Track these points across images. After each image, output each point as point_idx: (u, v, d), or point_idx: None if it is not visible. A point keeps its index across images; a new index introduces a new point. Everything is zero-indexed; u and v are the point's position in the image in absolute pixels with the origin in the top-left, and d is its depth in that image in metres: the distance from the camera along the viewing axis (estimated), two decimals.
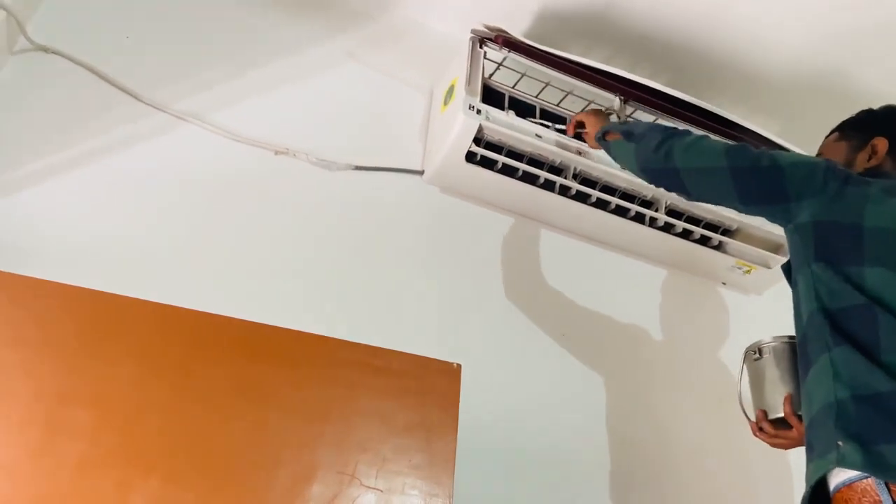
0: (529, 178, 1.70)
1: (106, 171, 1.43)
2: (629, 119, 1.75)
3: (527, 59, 1.66)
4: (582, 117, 1.61)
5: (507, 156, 1.66)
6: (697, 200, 1.28)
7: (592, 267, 1.85)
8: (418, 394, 1.15)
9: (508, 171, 1.69)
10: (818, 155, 1.31)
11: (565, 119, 1.73)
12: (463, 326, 1.59)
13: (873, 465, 0.87)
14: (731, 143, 1.22)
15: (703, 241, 1.82)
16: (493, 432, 1.46)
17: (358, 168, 1.67)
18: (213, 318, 1.09)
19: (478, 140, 1.62)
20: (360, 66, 1.80)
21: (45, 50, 1.48)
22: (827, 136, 1.33)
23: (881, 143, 1.22)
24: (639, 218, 1.78)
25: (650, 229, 1.79)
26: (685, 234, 1.81)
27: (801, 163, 1.13)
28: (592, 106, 1.67)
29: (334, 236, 1.57)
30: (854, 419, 0.92)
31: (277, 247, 1.50)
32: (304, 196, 1.59)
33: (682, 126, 1.70)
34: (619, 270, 1.88)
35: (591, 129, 1.52)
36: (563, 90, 1.74)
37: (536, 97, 1.74)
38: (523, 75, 1.72)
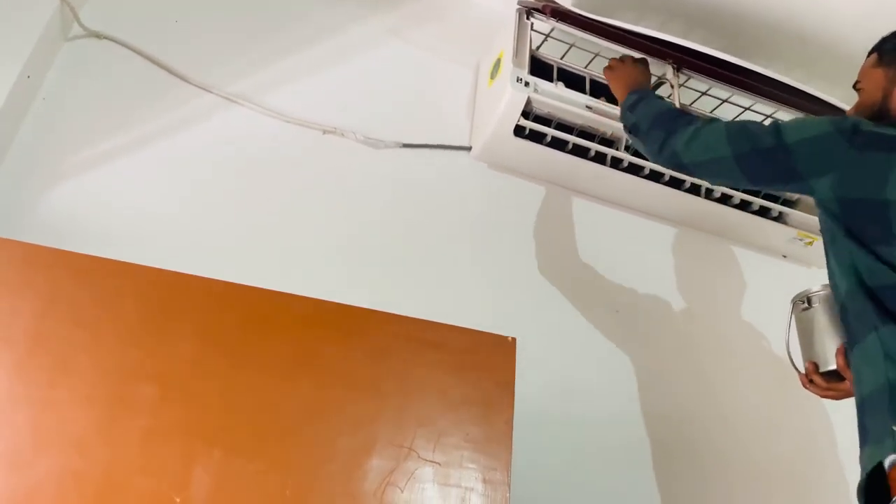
0: (580, 151, 1.67)
1: (159, 154, 1.45)
2: (682, 86, 1.69)
3: (576, 29, 1.61)
4: (609, 76, 1.51)
5: (556, 129, 1.63)
6: (718, 186, 1.22)
7: (646, 241, 1.81)
8: (474, 368, 1.14)
9: (558, 144, 1.65)
10: (856, 83, 1.20)
11: None
12: (515, 301, 1.58)
13: None
14: (732, 124, 1.16)
15: (763, 212, 1.77)
16: (548, 405, 1.45)
17: (405, 146, 1.66)
18: (269, 293, 1.10)
19: (526, 113, 1.59)
20: (405, 43, 1.78)
21: (97, 36, 1.50)
22: (867, 57, 1.20)
23: None
24: (694, 190, 1.73)
25: (707, 201, 1.74)
26: (743, 206, 1.75)
27: (808, 137, 1.05)
28: (624, 64, 1.53)
29: (384, 214, 1.57)
30: None
31: (328, 225, 1.51)
32: (353, 174, 1.59)
33: (741, 96, 1.67)
34: (675, 244, 1.84)
35: (617, 94, 1.47)
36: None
37: (586, 68, 1.69)
38: (572, 46, 1.68)
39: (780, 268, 1.88)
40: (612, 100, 1.64)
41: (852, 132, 1.02)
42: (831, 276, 1.07)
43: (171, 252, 1.31)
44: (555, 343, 1.56)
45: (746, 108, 1.76)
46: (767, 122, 1.70)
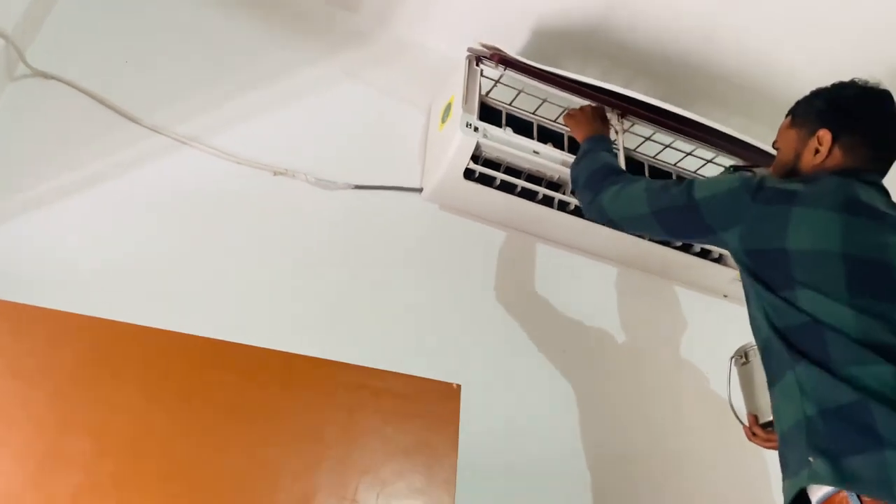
0: (528, 194, 1.70)
1: (106, 196, 1.43)
2: (626, 132, 1.75)
3: (523, 76, 1.65)
4: (570, 123, 1.63)
5: (505, 172, 1.66)
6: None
7: (593, 281, 1.84)
8: (418, 415, 1.14)
9: (507, 187, 1.68)
10: (774, 142, 1.30)
11: (562, 135, 1.73)
12: (463, 346, 1.58)
13: (843, 478, 0.89)
14: (652, 184, 1.26)
15: (704, 254, 1.82)
16: (493, 451, 1.44)
17: (357, 187, 1.67)
18: (210, 342, 1.08)
19: (476, 157, 1.62)
20: (358, 85, 1.80)
21: (44, 76, 1.49)
22: (784, 119, 1.29)
23: (825, 137, 1.18)
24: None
25: (651, 243, 1.78)
26: (685, 248, 1.80)
27: (716, 194, 1.14)
28: (583, 112, 1.65)
29: (334, 256, 1.57)
30: (823, 434, 0.93)
31: (278, 268, 1.50)
32: (304, 216, 1.59)
33: (685, 142, 1.75)
34: (620, 285, 1.87)
35: (578, 135, 1.59)
36: (560, 105, 1.74)
37: (534, 113, 1.74)
38: (520, 91, 1.72)
39: (721, 307, 1.92)
40: (558, 145, 1.70)
41: (757, 188, 1.10)
42: (751, 322, 1.13)
43: (114, 299, 1.28)
44: (502, 387, 1.56)
45: (688, 154, 1.82)
46: (706, 169, 1.80)
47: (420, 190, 1.74)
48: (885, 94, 1.21)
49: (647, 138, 1.79)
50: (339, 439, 1.09)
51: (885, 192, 1.16)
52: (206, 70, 1.65)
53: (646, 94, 1.67)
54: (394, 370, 1.16)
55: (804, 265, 1.02)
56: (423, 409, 1.14)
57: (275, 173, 1.60)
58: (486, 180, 1.67)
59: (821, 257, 1.02)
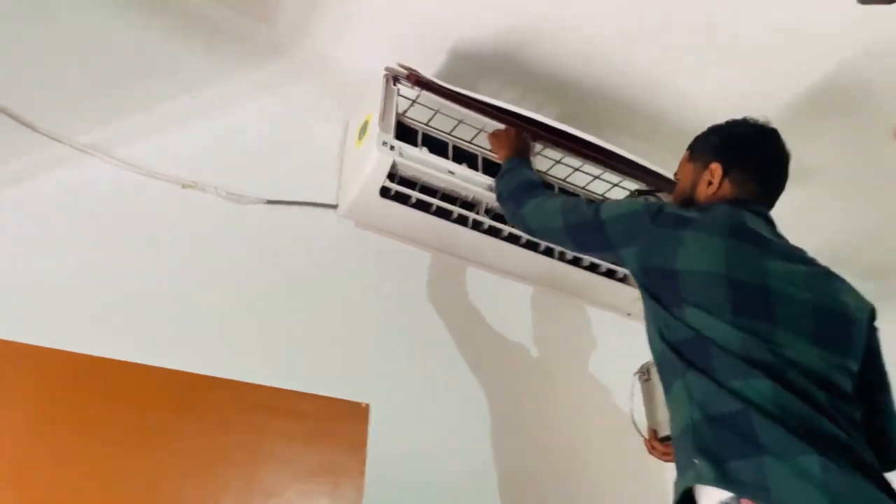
0: (443, 213, 1.72)
1: None
2: (538, 155, 1.80)
3: (439, 97, 1.67)
4: (493, 143, 1.70)
5: (420, 191, 1.68)
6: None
7: (507, 301, 1.87)
8: (325, 436, 1.14)
9: (423, 206, 1.70)
10: (675, 174, 1.40)
11: (477, 156, 1.76)
12: (375, 365, 1.56)
13: (725, 480, 0.95)
14: (567, 201, 1.36)
15: (610, 273, 1.89)
16: (403, 472, 1.42)
17: (270, 202, 1.64)
18: (106, 362, 1.05)
19: (392, 175, 1.63)
20: (274, 98, 1.77)
21: None
22: (685, 153, 1.39)
23: (717, 170, 1.28)
24: (548, 252, 1.82)
25: (560, 262, 1.84)
26: (592, 268, 1.87)
27: (620, 214, 1.24)
28: (506, 132, 1.71)
29: (244, 273, 1.53)
30: (708, 438, 0.99)
31: (183, 284, 1.45)
32: (213, 231, 1.54)
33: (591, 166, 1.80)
34: (534, 304, 1.92)
35: (500, 160, 1.66)
36: (475, 127, 1.77)
37: (450, 133, 1.76)
38: (437, 112, 1.74)
39: (625, 325, 2.00)
40: (473, 166, 1.72)
41: (656, 213, 1.20)
42: (648, 337, 1.19)
43: (4, 317, 1.20)
44: (413, 406, 1.56)
45: (596, 177, 1.88)
46: (613, 192, 1.87)
47: (335, 206, 1.73)
48: (773, 133, 1.32)
49: (558, 161, 1.85)
50: (244, 462, 1.07)
51: (771, 222, 1.26)
52: (113, 79, 1.58)
53: (557, 119, 1.74)
54: (302, 390, 1.15)
55: (692, 285, 1.10)
56: (330, 430, 1.14)
57: (183, 186, 1.56)
58: (402, 198, 1.68)
59: (707, 278, 1.09)
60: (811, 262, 1.20)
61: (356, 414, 1.15)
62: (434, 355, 1.67)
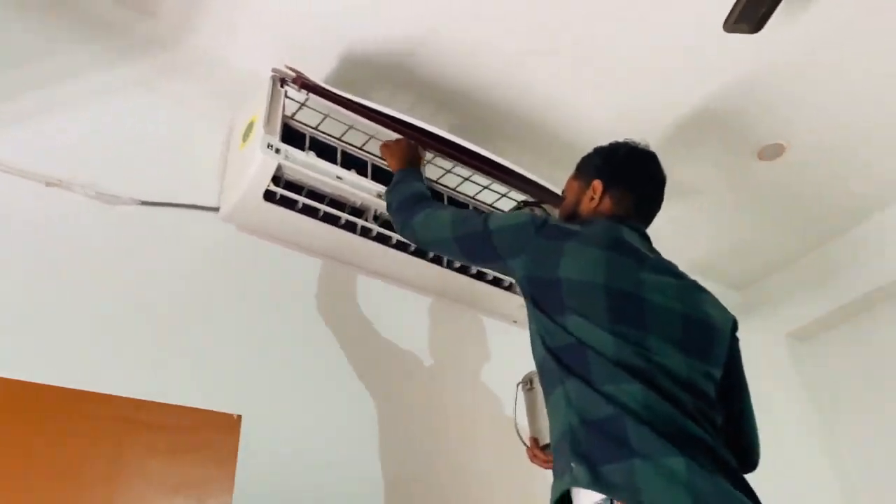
0: (331, 219, 1.70)
1: None
2: (429, 163, 1.81)
3: (328, 102, 1.65)
4: (385, 153, 1.69)
5: (308, 196, 1.65)
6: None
7: (394, 307, 1.87)
8: (193, 449, 1.09)
9: (310, 211, 1.67)
10: (563, 191, 1.47)
11: (367, 162, 1.75)
12: (250, 374, 1.51)
13: (599, 483, 0.99)
14: (457, 212, 1.38)
15: (496, 282, 1.93)
16: (276, 485, 1.37)
17: (144, 203, 1.57)
18: None
19: (277, 179, 1.59)
20: (152, 94, 1.70)
21: None
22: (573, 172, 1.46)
23: (598, 187, 1.36)
24: (437, 260, 1.84)
25: (448, 270, 1.86)
26: (480, 276, 1.90)
27: (507, 226, 1.28)
28: (398, 143, 1.70)
29: (111, 278, 1.45)
30: (584, 443, 1.04)
31: (43, 290, 1.35)
32: (79, 234, 1.45)
33: (479, 177, 1.84)
34: (424, 312, 1.93)
35: (392, 165, 1.65)
36: (366, 133, 1.76)
37: (339, 139, 1.75)
38: (326, 116, 1.72)
39: (511, 333, 2.04)
40: (362, 172, 1.71)
41: (541, 225, 1.25)
42: (531, 343, 1.23)
43: None
44: (291, 416, 1.52)
45: (484, 187, 1.92)
46: (501, 202, 1.91)
47: (217, 209, 1.67)
48: (651, 156, 1.41)
49: (448, 171, 1.87)
50: (103, 478, 1.00)
51: (647, 238, 1.34)
52: None
53: (449, 129, 1.77)
54: (172, 402, 1.10)
55: (573, 293, 1.15)
56: (199, 442, 1.09)
57: (48, 184, 1.45)
58: (287, 203, 1.64)
59: (588, 287, 1.14)
60: (681, 276, 1.27)
61: (226, 425, 1.11)
62: (317, 365, 1.64)
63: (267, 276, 1.68)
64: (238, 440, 1.10)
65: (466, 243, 1.33)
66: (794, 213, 2.42)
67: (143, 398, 1.06)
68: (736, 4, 1.58)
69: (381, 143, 1.72)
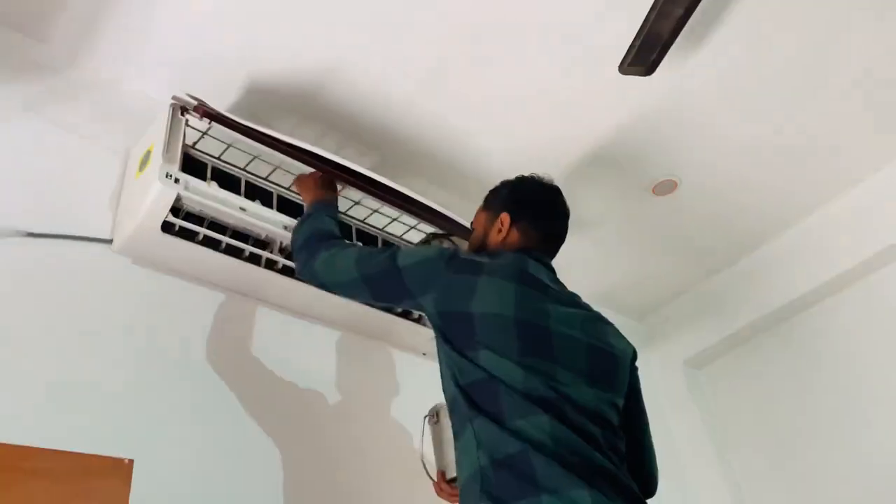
0: (234, 251, 1.66)
1: None
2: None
3: (231, 131, 1.62)
4: (298, 187, 1.67)
5: (209, 227, 1.60)
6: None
7: (301, 342, 1.83)
8: (82, 497, 1.01)
9: (211, 243, 1.63)
10: (472, 223, 1.49)
11: (272, 193, 1.73)
12: (145, 416, 1.43)
13: None
14: (362, 251, 1.37)
15: (405, 314, 1.92)
16: None
17: (31, 235, 1.47)
18: None
19: (176, 210, 1.55)
20: (41, 120, 1.62)
21: None
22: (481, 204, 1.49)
23: (505, 219, 1.39)
24: None
25: (356, 303, 1.81)
26: (388, 309, 1.88)
27: (417, 262, 1.27)
28: (311, 177, 1.68)
29: None
30: (493, 482, 1.04)
31: None
32: None
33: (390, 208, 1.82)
34: (328, 344, 1.89)
35: (305, 199, 1.63)
36: (271, 164, 1.73)
37: (244, 169, 1.71)
38: (230, 146, 1.68)
39: (420, 366, 2.03)
40: (267, 202, 1.69)
41: (450, 258, 1.25)
42: (442, 380, 1.23)
43: None
44: (188, 460, 1.45)
45: (393, 219, 1.93)
46: (410, 234, 1.92)
47: (110, 241, 1.59)
48: (555, 189, 1.46)
49: (356, 202, 1.86)
50: None
51: (552, 269, 1.37)
52: None
53: (356, 160, 1.75)
54: (58, 447, 1.02)
55: (484, 327, 1.16)
56: (89, 490, 1.02)
57: None
58: (187, 234, 1.59)
59: (498, 320, 1.16)
60: (585, 308, 1.31)
61: (117, 471, 1.04)
62: (217, 404, 1.58)
63: (163, 311, 1.61)
64: (129, 486, 1.04)
65: (375, 283, 1.31)
66: (687, 245, 2.54)
67: (26, 444, 0.98)
68: (630, 48, 1.67)
69: (288, 173, 1.70)
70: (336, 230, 1.51)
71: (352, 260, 1.34)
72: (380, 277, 1.30)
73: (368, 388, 1.93)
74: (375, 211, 1.89)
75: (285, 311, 1.83)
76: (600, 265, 2.55)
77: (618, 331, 1.33)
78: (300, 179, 1.68)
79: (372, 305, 1.83)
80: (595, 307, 1.33)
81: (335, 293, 1.44)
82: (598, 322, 1.29)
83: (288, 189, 1.75)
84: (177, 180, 1.51)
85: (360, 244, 1.73)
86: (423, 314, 1.35)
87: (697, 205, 2.34)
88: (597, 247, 2.47)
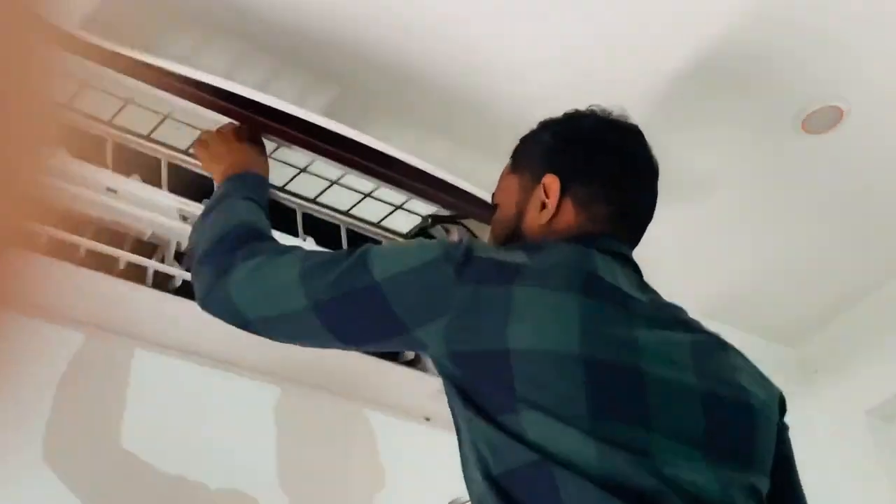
0: (101, 263, 1.66)
1: None
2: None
3: (88, 62, 1.59)
4: (201, 153, 1.65)
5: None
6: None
7: (215, 406, 1.86)
8: None
9: (63, 251, 1.60)
10: (493, 195, 1.46)
11: (158, 162, 1.74)
12: None
13: None
14: (312, 257, 1.33)
15: (392, 354, 1.90)
16: None
17: None
18: None
19: None
20: None
21: None
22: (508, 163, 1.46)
23: (552, 185, 1.34)
24: None
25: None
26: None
27: (406, 270, 1.22)
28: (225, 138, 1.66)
29: None
30: None
31: None
32: None
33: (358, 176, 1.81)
34: (262, 410, 1.92)
35: (214, 173, 1.61)
36: (156, 112, 1.73)
37: (111, 123, 1.72)
38: (83, 87, 1.66)
39: (423, 436, 2.03)
40: (151, 178, 1.69)
41: (464, 260, 1.20)
42: (463, 466, 1.21)
43: None
44: None
45: (366, 195, 1.92)
46: (394, 219, 1.89)
47: None
48: (632, 132, 1.41)
49: (302, 170, 1.85)
50: None
51: (635, 267, 1.33)
52: None
53: (299, 101, 1.75)
54: None
55: (529, 373, 1.12)
56: None
57: None
58: None
59: (552, 361, 1.13)
60: (694, 328, 1.28)
61: None
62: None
63: None
64: None
65: (336, 314, 1.26)
66: (863, 215, 2.51)
67: None
68: None
69: (191, 129, 1.70)
70: (263, 223, 1.47)
71: (292, 275, 1.29)
72: (344, 303, 1.25)
73: (336, 480, 1.94)
74: (334, 183, 1.89)
75: (188, 357, 1.85)
76: (715, 256, 2.53)
77: (751, 364, 1.31)
78: (204, 140, 1.65)
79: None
80: (709, 325, 1.32)
81: (267, 336, 1.38)
82: (718, 352, 1.27)
83: (186, 153, 1.75)
84: None
85: (305, 246, 1.71)
86: (429, 357, 1.35)
87: (878, 145, 2.29)
88: (708, 226, 2.44)
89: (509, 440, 1.10)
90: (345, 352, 1.79)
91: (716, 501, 1.11)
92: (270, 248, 1.38)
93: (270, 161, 1.77)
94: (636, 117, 1.45)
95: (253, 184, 1.54)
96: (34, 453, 1.60)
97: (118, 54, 1.59)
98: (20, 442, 1.61)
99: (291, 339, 1.40)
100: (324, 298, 1.25)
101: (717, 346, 1.27)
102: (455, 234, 1.86)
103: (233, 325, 1.38)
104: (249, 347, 1.79)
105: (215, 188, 1.57)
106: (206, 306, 1.40)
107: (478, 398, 1.15)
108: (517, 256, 1.22)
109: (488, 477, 1.12)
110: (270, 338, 1.39)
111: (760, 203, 2.43)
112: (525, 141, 1.44)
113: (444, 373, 1.21)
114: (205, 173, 1.70)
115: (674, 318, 1.27)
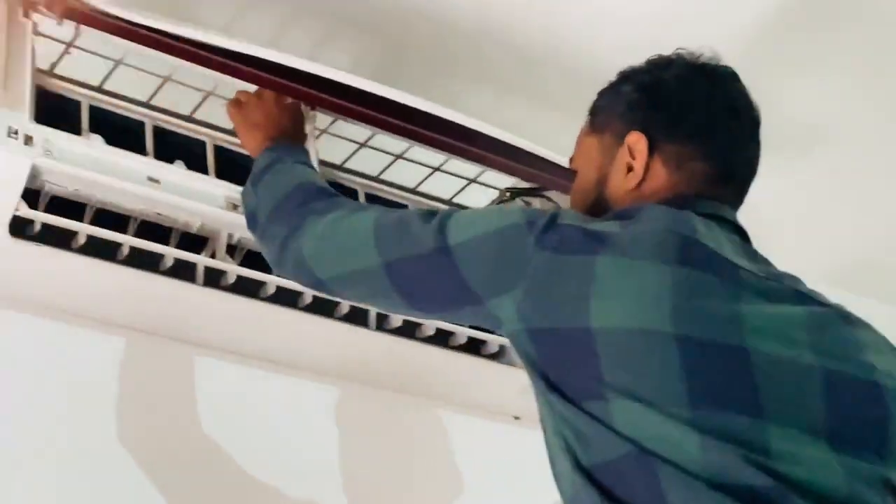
0: (144, 261, 1.68)
1: None
2: (323, 134, 1.82)
3: (118, 37, 1.60)
4: (236, 118, 1.67)
5: (94, 222, 1.65)
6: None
7: (277, 412, 1.90)
8: None
9: (99, 248, 1.65)
10: (571, 159, 1.46)
11: (204, 143, 1.75)
12: None
13: None
14: (389, 215, 1.36)
15: (472, 347, 1.91)
16: None
17: None
18: None
19: (33, 195, 1.58)
20: None
21: None
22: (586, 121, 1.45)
23: (638, 144, 1.32)
24: (356, 317, 1.82)
25: (381, 334, 1.85)
26: (440, 340, 1.89)
27: (481, 236, 1.24)
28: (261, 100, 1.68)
29: None
30: None
31: None
32: None
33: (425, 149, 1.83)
34: (318, 411, 1.96)
35: (249, 150, 1.65)
36: (200, 89, 1.74)
37: (148, 105, 1.73)
38: (119, 62, 1.69)
39: (513, 436, 2.05)
40: (198, 165, 1.70)
41: (546, 227, 1.18)
42: (550, 458, 1.19)
43: None
44: None
45: (435, 170, 1.92)
46: (466, 195, 1.88)
47: None
48: (727, 74, 1.37)
49: (362, 145, 1.86)
50: None
51: (742, 234, 1.30)
52: None
53: (346, 65, 1.74)
54: None
55: (618, 356, 1.10)
56: None
57: None
58: (54, 237, 1.62)
59: (643, 340, 1.10)
60: (812, 300, 1.24)
61: None
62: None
63: (18, 372, 1.71)
64: None
65: (406, 276, 1.29)
66: None
67: None
68: None
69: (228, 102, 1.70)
70: (325, 184, 1.52)
71: (366, 231, 1.33)
72: (414, 264, 1.28)
73: (408, 487, 1.96)
74: (399, 157, 1.90)
75: (246, 361, 1.86)
76: (837, 215, 2.50)
77: (886, 341, 1.26)
78: (237, 105, 1.66)
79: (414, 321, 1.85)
80: (832, 296, 1.27)
81: (341, 296, 1.50)
82: (840, 325, 1.22)
83: (233, 133, 1.74)
84: (29, 139, 1.51)
85: (379, 205, 1.72)
86: (504, 336, 1.30)
87: None
88: (829, 181, 2.39)
89: (598, 426, 1.09)
90: (411, 343, 1.87)
91: (841, 499, 1.07)
92: (344, 203, 1.44)
93: (325, 137, 1.82)
94: (730, 61, 1.40)
95: (298, 150, 1.61)
96: (88, 464, 1.67)
97: (148, 27, 1.59)
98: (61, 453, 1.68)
99: (364, 299, 1.50)
100: (395, 257, 1.29)
101: (839, 319, 1.22)
102: (538, 203, 1.85)
103: (307, 285, 1.49)
104: (296, 343, 1.87)
105: (256, 160, 1.59)
106: (279, 267, 1.48)
107: (560, 381, 1.14)
108: (609, 226, 1.20)
109: (578, 466, 1.11)
110: (344, 297, 1.56)
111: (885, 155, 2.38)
112: (603, 95, 1.42)
113: (521, 352, 1.20)
114: (235, 142, 1.72)
115: (788, 288, 1.23)
